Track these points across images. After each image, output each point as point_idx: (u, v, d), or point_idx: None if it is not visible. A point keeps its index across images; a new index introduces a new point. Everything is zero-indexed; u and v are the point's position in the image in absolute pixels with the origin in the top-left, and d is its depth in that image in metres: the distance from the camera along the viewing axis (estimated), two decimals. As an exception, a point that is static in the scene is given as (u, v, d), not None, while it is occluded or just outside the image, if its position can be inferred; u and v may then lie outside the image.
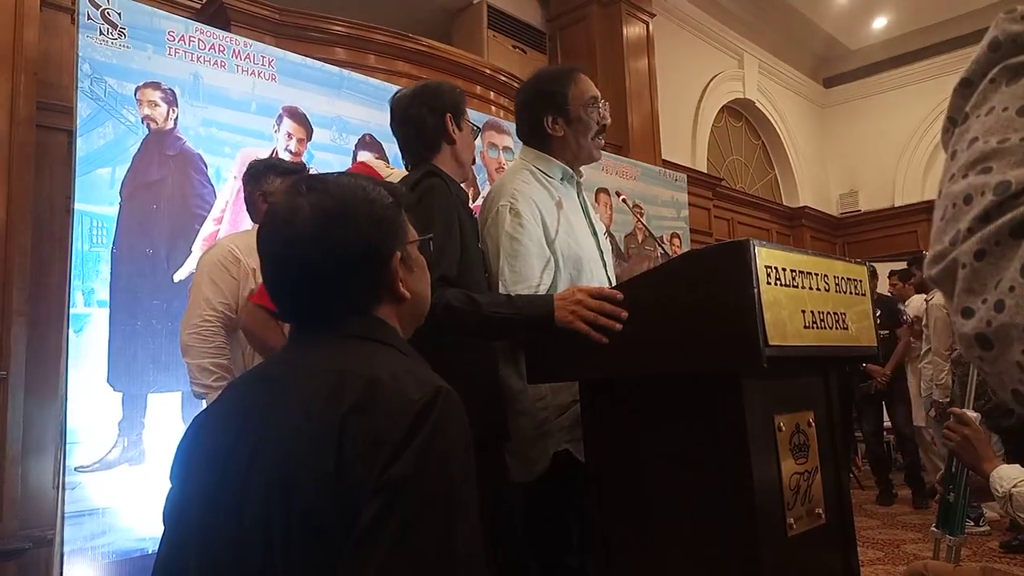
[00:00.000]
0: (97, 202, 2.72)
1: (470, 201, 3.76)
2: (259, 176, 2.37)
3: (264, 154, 3.04)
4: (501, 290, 1.73)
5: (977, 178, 0.46)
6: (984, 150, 0.46)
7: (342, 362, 0.89)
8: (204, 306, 2.26)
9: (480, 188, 3.87)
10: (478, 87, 4.46)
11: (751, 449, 1.30)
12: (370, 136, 3.50)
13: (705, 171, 6.77)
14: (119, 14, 2.82)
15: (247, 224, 2.55)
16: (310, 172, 2.66)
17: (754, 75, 7.72)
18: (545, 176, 1.87)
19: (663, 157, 5.94)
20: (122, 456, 2.66)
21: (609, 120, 1.93)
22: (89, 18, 2.75)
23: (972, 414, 1.74)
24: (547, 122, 1.87)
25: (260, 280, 2.28)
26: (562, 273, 1.78)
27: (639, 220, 4.69)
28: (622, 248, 4.98)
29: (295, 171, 2.43)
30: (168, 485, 0.97)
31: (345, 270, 0.94)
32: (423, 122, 1.85)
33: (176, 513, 0.93)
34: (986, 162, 0.46)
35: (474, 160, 1.94)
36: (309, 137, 3.34)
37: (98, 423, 2.62)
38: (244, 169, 2.46)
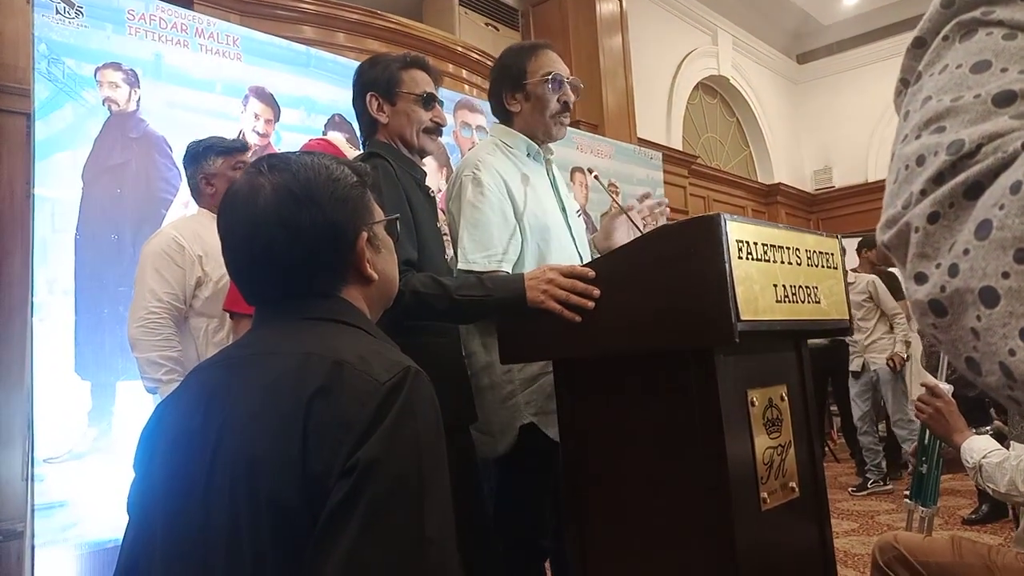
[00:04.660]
0: (58, 187, 2.65)
1: (443, 180, 3.75)
2: (199, 157, 2.31)
3: (231, 136, 2.97)
4: (460, 259, 1.70)
5: (930, 138, 0.44)
6: (937, 109, 0.44)
7: (307, 344, 0.87)
8: (150, 298, 2.20)
9: (453, 168, 3.82)
10: (450, 65, 4.40)
11: (724, 424, 1.30)
12: (340, 116, 3.44)
13: (680, 149, 6.76)
14: (76, -8, 2.73)
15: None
16: (253, 150, 2.60)
17: (728, 52, 7.70)
18: (511, 151, 1.86)
19: (638, 135, 5.92)
20: (92, 446, 2.62)
21: (572, 98, 1.88)
22: (44, -4, 2.66)
23: (944, 386, 1.76)
24: (506, 97, 1.87)
25: (207, 267, 2.24)
26: (529, 243, 1.76)
27: (614, 199, 4.67)
28: (597, 227, 4.96)
29: (237, 149, 2.36)
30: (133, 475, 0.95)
31: (310, 251, 0.92)
32: (357, 103, 1.80)
33: (140, 502, 0.91)
34: (939, 121, 0.44)
35: (439, 132, 1.82)
36: (277, 118, 3.28)
37: (66, 413, 2.57)
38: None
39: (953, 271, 0.41)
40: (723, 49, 7.62)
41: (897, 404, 4.87)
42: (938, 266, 0.42)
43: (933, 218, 0.42)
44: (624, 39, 5.93)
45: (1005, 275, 0.38)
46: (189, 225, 2.32)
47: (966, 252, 0.40)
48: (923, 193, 0.43)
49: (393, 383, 0.80)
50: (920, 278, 0.43)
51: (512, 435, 1.69)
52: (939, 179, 0.42)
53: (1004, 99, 0.42)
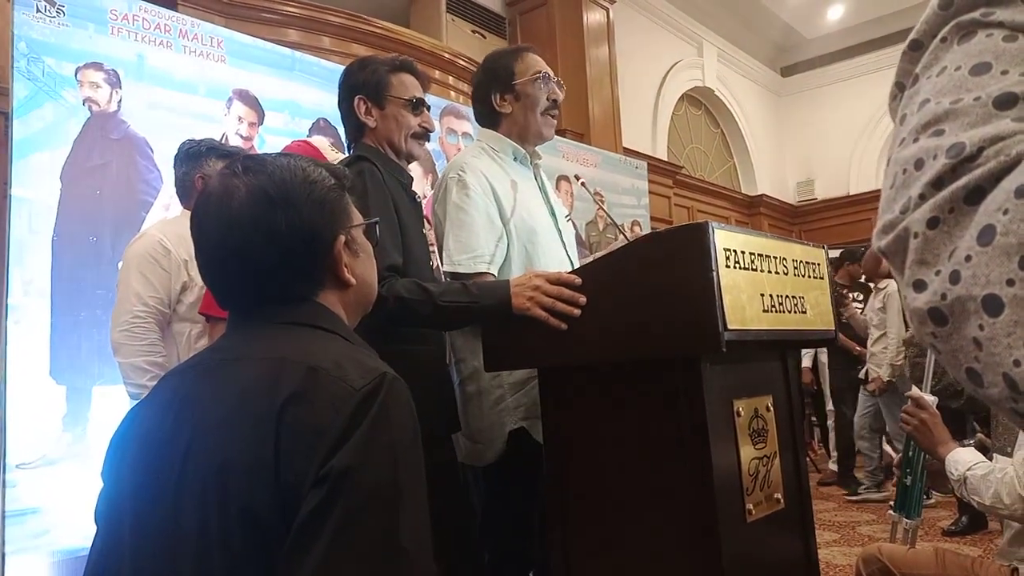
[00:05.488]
0: (36, 187, 2.60)
1: (428, 186, 3.73)
2: (200, 157, 2.28)
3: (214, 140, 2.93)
4: (445, 261, 1.69)
5: (929, 141, 0.43)
6: (936, 112, 0.43)
7: (281, 350, 0.85)
8: (134, 301, 2.16)
9: (439, 175, 3.80)
10: (436, 72, 4.39)
11: (710, 434, 1.29)
12: (324, 120, 3.41)
13: (665, 159, 6.79)
14: (57, -10, 2.69)
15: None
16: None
17: (713, 63, 7.75)
18: (498, 155, 1.85)
19: (624, 145, 5.93)
20: (66, 452, 2.56)
21: (560, 96, 1.90)
22: (24, -7, 2.62)
23: (929, 398, 1.76)
24: (495, 99, 1.86)
25: (193, 272, 2.20)
26: (516, 247, 1.75)
27: (600, 207, 4.68)
28: (583, 236, 4.96)
29: (235, 154, 2.35)
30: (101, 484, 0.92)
31: (285, 255, 0.90)
32: (344, 106, 1.77)
33: (108, 510, 0.89)
34: (938, 124, 0.43)
35: (427, 138, 1.80)
36: (261, 121, 3.24)
37: (40, 418, 2.51)
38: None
39: (954, 278, 0.39)
40: (708, 61, 7.68)
41: (896, 422, 4.80)
42: (938, 273, 0.40)
43: (933, 223, 0.41)
44: (610, 49, 5.96)
45: (1010, 282, 0.37)
46: (173, 228, 2.28)
47: (968, 258, 0.39)
48: (922, 198, 0.42)
49: (368, 389, 0.79)
50: (919, 285, 0.42)
51: (501, 441, 1.67)
52: (939, 183, 0.41)
53: (1005, 101, 0.41)
